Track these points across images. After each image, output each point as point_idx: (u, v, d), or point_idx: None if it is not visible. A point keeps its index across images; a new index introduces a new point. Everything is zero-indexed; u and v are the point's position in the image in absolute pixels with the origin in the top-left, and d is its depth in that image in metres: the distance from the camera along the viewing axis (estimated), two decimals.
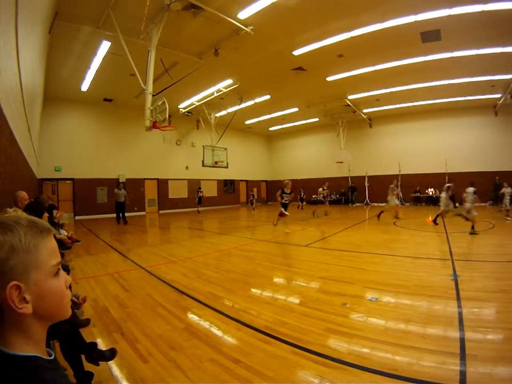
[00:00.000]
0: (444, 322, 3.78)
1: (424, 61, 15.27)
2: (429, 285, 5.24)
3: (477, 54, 14.43)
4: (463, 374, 2.66)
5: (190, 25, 11.44)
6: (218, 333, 3.55)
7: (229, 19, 10.81)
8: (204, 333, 3.53)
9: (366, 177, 26.75)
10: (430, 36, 12.93)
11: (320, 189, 18.52)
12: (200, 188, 23.10)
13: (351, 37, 12.72)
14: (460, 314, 3.95)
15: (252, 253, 8.30)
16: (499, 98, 20.66)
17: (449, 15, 11.20)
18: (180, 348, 3.15)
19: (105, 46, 12.55)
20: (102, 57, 13.42)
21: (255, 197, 22.36)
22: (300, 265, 6.89)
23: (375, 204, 26.30)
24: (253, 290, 5.17)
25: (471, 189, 11.24)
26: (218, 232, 12.88)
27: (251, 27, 11.46)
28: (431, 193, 24.58)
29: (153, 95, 11.54)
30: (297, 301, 4.63)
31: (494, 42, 13.38)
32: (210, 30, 11.70)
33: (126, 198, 15.82)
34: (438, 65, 15.78)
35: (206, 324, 3.78)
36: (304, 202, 24.89)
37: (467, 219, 10.64)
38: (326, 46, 13.44)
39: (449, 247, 8.31)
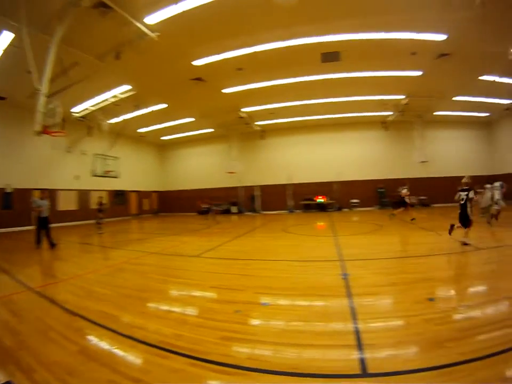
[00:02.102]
0: (338, 318, 4.07)
1: (322, 79, 17.10)
2: (320, 285, 5.60)
3: (371, 76, 16.91)
4: (363, 363, 2.90)
5: (96, 25, 11.12)
6: (114, 352, 3.43)
7: (136, 23, 10.92)
8: (99, 354, 3.39)
9: (257, 187, 28.01)
10: (330, 56, 14.49)
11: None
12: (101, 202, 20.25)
13: (253, 52, 13.48)
14: (353, 309, 4.28)
15: (143, 266, 8.23)
16: (389, 115, 24.85)
17: (350, 40, 12.88)
18: (77, 373, 2.99)
19: (6, 36, 11.44)
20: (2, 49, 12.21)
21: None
22: (191, 276, 6.94)
23: (267, 212, 27.65)
24: (145, 305, 5.08)
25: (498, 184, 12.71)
26: (109, 247, 11.97)
27: (156, 33, 11.66)
28: (320, 200, 27.18)
29: (47, 97, 10.87)
30: (190, 312, 4.66)
31: (387, 66, 15.96)
32: (116, 32, 11.54)
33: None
34: (335, 83, 17.86)
35: (100, 345, 3.65)
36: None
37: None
38: (226, 58, 14.00)
39: (338, 249, 9.05)
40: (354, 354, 3.06)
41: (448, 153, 27.13)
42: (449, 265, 7.08)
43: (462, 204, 8.67)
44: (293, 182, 27.66)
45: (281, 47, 13.18)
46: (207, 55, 13.84)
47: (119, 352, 3.42)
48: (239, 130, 27.16)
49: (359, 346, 3.22)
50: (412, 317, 3.96)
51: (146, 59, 13.78)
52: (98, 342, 3.70)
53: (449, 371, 2.69)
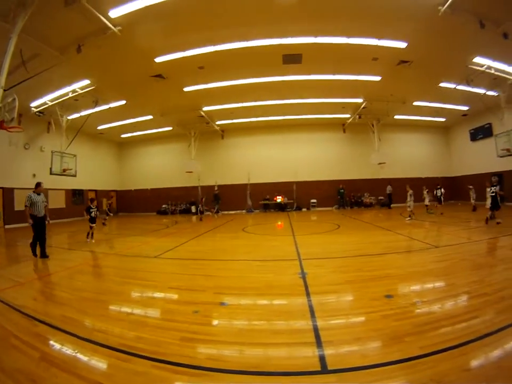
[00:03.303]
0: (296, 316, 4.14)
1: (283, 81, 17.50)
2: (278, 284, 5.70)
3: (332, 79, 17.55)
4: (322, 359, 2.96)
5: (59, 15, 10.82)
6: (76, 357, 3.37)
7: (99, 16, 10.79)
8: (61, 359, 3.31)
9: (216, 187, 27.71)
10: (292, 58, 14.87)
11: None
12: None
13: (215, 50, 13.58)
14: (311, 307, 4.38)
15: (103, 268, 8.25)
16: (348, 118, 26.11)
17: (313, 43, 13.29)
18: (41, 380, 2.93)
19: None
20: None
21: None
22: (151, 277, 6.91)
23: (226, 212, 27.52)
24: (106, 308, 5.00)
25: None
26: (68, 248, 11.44)
27: (119, 28, 11.54)
28: (279, 200, 27.60)
29: (4, 90, 10.60)
30: (150, 314, 4.68)
31: (348, 70, 16.65)
32: (79, 24, 11.39)
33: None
34: (296, 85, 18.33)
35: (61, 350, 3.57)
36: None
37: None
38: (188, 56, 14.00)
39: (297, 248, 9.25)
40: (314, 352, 3.12)
41: (406, 155, 28.85)
42: (406, 262, 7.36)
43: (493, 195, 12.25)
44: (252, 182, 27.87)
45: (243, 47, 13.38)
46: (169, 52, 13.80)
47: (81, 356, 3.38)
48: (199, 129, 27.07)
49: (318, 343, 3.29)
50: (369, 314, 4.08)
51: (107, 54, 13.62)
52: (60, 347, 3.64)
53: (411, 364, 2.79)
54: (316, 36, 12.94)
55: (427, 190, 18.16)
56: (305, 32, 12.70)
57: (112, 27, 11.37)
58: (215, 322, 4.15)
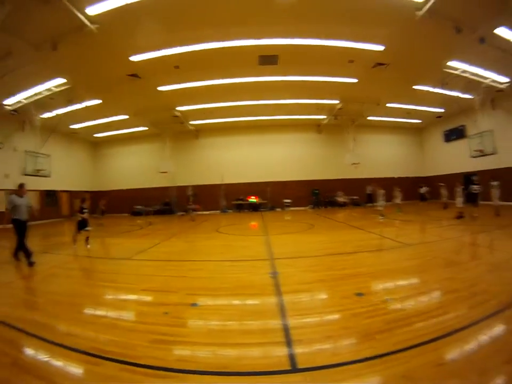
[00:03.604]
0: (267, 316, 4.15)
1: (259, 81, 17.58)
2: (249, 284, 5.71)
3: (308, 81, 17.73)
4: (293, 358, 2.96)
5: (35, 11, 10.54)
6: (48, 362, 3.33)
7: (77, 12, 10.57)
8: (33, 365, 3.29)
9: (189, 187, 27.35)
10: (268, 59, 14.95)
11: None
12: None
13: (191, 50, 13.48)
14: (282, 306, 4.40)
15: (75, 271, 8.06)
16: (324, 119, 26.42)
17: (290, 44, 13.39)
18: None
19: None
20: None
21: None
22: (123, 279, 6.83)
23: (200, 213, 27.06)
24: (77, 311, 4.90)
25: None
26: (41, 251, 10.99)
27: (96, 25, 11.33)
28: (253, 200, 27.71)
29: None
30: (121, 316, 4.63)
31: (324, 72, 16.84)
32: (55, 21, 11.07)
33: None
34: (271, 86, 18.41)
35: (33, 355, 3.55)
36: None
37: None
38: (164, 56, 13.87)
39: (269, 248, 9.26)
40: (284, 351, 3.13)
41: (380, 156, 29.62)
42: (377, 261, 7.46)
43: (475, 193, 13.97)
44: (227, 182, 27.80)
45: (219, 47, 13.35)
46: (146, 51, 13.65)
47: (52, 361, 3.32)
48: (173, 129, 26.81)
49: (289, 342, 3.30)
50: (340, 312, 4.14)
51: (83, 52, 13.34)
52: (31, 352, 3.60)
53: (382, 361, 2.82)
54: (292, 38, 13.03)
55: (399, 190, 18.67)
56: (281, 33, 12.77)
57: (89, 24, 11.13)
58: (185, 323, 4.13)
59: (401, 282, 5.54)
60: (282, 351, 3.12)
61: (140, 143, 30.26)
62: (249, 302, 4.82)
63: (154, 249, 10.18)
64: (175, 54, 13.71)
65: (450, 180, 20.92)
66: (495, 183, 15.61)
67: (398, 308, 4.19)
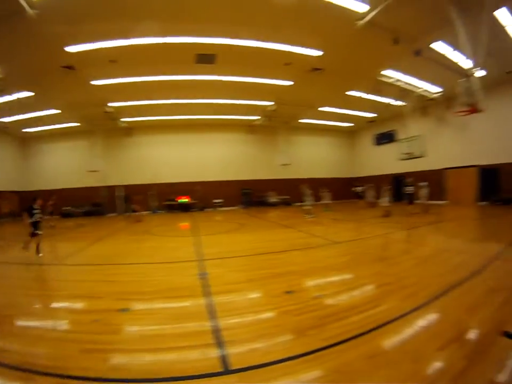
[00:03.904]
0: (197, 318, 4.09)
1: (195, 80, 17.37)
2: (179, 286, 5.60)
3: (244, 82, 17.85)
4: (225, 359, 2.93)
5: None
6: None
7: None
8: None
9: (120, 187, 26.25)
10: (205, 58, 14.79)
11: None
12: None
13: (129, 44, 12.96)
14: (212, 307, 4.36)
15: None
16: (257, 120, 26.63)
17: (228, 44, 13.37)
18: None
19: None
20: None
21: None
22: (50, 286, 6.56)
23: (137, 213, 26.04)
24: (1, 322, 4.52)
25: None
26: None
27: (36, 11, 10.44)
28: (184, 200, 27.31)
29: None
30: (49, 326, 4.33)
31: (260, 74, 17.04)
32: None
33: None
34: (207, 85, 18.27)
35: None
36: None
37: None
38: (101, 48, 13.14)
39: (199, 249, 9.18)
40: (216, 353, 3.09)
41: (312, 157, 30.94)
42: (307, 258, 7.61)
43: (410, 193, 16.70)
44: (158, 182, 27.01)
45: (157, 43, 13.02)
46: (82, 42, 12.81)
47: None
48: (105, 126, 25.38)
49: (220, 344, 3.26)
50: (271, 310, 4.17)
51: (18, 39, 12.31)
52: None
53: (315, 357, 2.86)
54: (230, 38, 13.03)
55: (327, 190, 19.91)
56: (220, 33, 12.72)
57: (29, 9, 10.21)
58: (116, 329, 3.96)
59: (332, 279, 5.72)
60: (215, 353, 3.07)
61: (72, 139, 27.97)
62: (180, 304, 4.72)
63: (83, 253, 9.69)
64: (112, 47, 13.09)
65: (380, 180, 22.26)
66: (423, 183, 17.37)
67: (329, 303, 4.33)
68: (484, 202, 20.23)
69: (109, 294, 5.36)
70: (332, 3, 10.75)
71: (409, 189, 17.71)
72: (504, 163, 19.17)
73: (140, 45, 13.03)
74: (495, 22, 11.88)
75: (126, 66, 15.24)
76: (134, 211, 21.33)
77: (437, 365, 2.77)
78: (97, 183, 26.68)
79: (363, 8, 11.20)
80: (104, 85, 17.37)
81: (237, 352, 3.06)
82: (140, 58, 14.33)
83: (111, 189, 26.43)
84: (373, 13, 11.25)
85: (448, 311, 3.89)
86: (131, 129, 27.35)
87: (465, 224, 12.96)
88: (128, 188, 26.19)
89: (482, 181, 20.70)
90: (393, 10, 11.11)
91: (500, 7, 11.41)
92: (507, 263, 6.18)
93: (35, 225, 9.37)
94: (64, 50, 13.20)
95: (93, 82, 17.02)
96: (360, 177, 31.11)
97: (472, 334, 3.34)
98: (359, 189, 22.54)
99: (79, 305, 5.11)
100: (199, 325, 3.85)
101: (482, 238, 9.74)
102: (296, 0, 10.59)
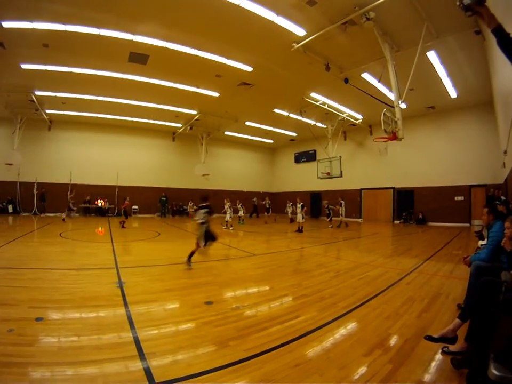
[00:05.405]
0: (115, 329, 3.89)
1: (125, 79, 16.89)
2: (95, 295, 5.29)
3: (171, 87, 17.73)
4: (148, 372, 2.83)
5: None
6: None
7: None
8: None
9: (36, 184, 24.02)
10: (138, 58, 14.52)
11: None
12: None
13: (65, 30, 12.15)
14: (130, 318, 4.19)
15: None
16: (179, 127, 26.82)
17: (162, 47, 13.29)
18: None
19: None
20: None
21: None
22: None
23: (51, 214, 23.96)
24: None
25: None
26: None
27: None
28: (100, 204, 26.08)
29: None
30: None
31: (189, 82, 17.25)
32: None
33: None
34: (135, 86, 17.78)
35: None
36: None
37: None
38: (37, 29, 12.15)
39: (115, 256, 8.81)
40: (138, 365, 2.97)
41: (233, 169, 31.67)
42: (226, 269, 7.75)
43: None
44: (75, 182, 24.80)
45: (92, 34, 12.45)
46: (18, 19, 11.70)
47: None
48: (26, 116, 22.80)
49: (142, 356, 3.15)
50: (191, 321, 4.14)
51: None
52: None
53: (238, 368, 2.88)
54: (164, 40, 12.96)
55: (241, 204, 20.63)
56: (156, 34, 12.60)
57: None
58: (32, 341, 3.59)
59: (251, 290, 5.84)
60: (135, 366, 2.96)
61: None
62: (96, 314, 4.46)
63: None
64: (47, 29, 12.19)
65: (297, 197, 23.26)
66: (342, 201, 19.64)
67: (248, 314, 4.40)
68: (399, 221, 23.06)
69: (22, 301, 4.90)
70: (273, 22, 11.24)
71: (330, 207, 19.64)
72: (418, 186, 22.36)
73: (75, 32, 12.34)
74: (424, 62, 13.27)
75: (59, 53, 14.35)
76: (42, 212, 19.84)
77: (364, 369, 2.94)
78: (9, 177, 23.83)
79: (301, 32, 11.89)
80: (33, 69, 16.06)
81: (159, 365, 2.98)
82: (73, 47, 13.61)
83: (28, 186, 24.00)
84: (309, 38, 12.00)
85: (369, 320, 4.18)
86: (52, 122, 25.27)
87: (381, 240, 14.26)
88: (45, 186, 24.11)
89: (398, 201, 23.63)
90: (330, 39, 12.09)
91: (429, 50, 12.86)
92: (422, 275, 6.82)
93: None
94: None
95: (23, 66, 15.65)
96: (278, 192, 32.35)
97: (395, 340, 3.59)
98: (264, 202, 24.23)
99: None
100: (119, 336, 3.68)
101: (399, 253, 10.61)
102: (233, 13, 10.81)
